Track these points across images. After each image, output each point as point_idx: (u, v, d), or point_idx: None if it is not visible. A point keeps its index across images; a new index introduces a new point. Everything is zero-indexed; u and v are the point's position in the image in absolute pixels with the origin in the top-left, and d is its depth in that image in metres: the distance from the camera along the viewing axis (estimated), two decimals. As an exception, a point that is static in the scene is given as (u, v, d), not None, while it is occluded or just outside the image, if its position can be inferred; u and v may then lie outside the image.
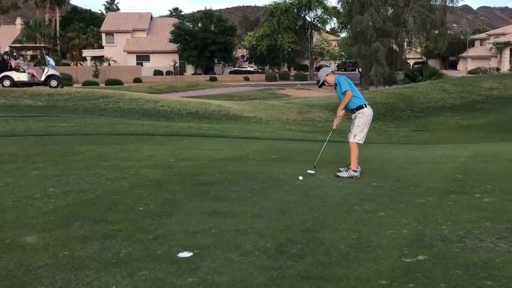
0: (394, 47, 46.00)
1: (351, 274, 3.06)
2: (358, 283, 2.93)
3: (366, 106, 6.15)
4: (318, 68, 73.66)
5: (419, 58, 69.86)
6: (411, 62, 65.82)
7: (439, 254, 3.39)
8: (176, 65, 59.58)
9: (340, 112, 6.20)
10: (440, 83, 29.39)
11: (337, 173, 6.12)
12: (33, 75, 26.62)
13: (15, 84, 25.62)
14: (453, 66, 77.08)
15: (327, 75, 6.20)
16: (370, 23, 42.38)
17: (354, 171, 6.06)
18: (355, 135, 6.11)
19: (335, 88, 6.29)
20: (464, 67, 68.02)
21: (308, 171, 6.20)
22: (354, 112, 6.17)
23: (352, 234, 3.83)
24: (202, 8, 66.30)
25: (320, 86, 6.50)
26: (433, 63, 70.65)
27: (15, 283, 2.88)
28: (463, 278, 3.00)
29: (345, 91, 6.03)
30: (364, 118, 6.12)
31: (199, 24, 59.82)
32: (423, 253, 3.41)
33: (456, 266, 3.18)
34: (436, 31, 45.72)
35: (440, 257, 3.34)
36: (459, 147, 11.85)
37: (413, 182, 5.90)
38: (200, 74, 60.40)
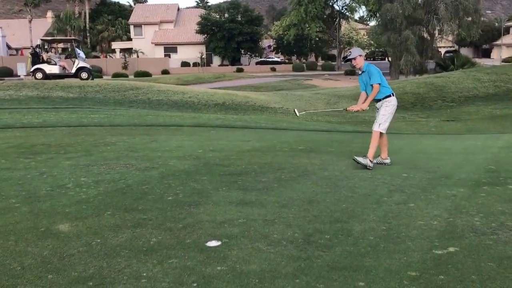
0: (425, 35, 44.98)
1: (380, 265, 3.03)
2: (387, 274, 2.90)
3: (393, 95, 6.09)
4: (345, 58, 72.77)
5: (450, 47, 68.18)
6: (443, 50, 64.30)
7: (471, 246, 3.33)
8: (203, 56, 59.85)
9: (366, 106, 6.12)
10: (472, 72, 28.64)
11: (355, 156, 6.02)
12: (64, 68, 27.23)
13: (47, 76, 26.27)
14: (487, 54, 74.95)
15: (360, 55, 6.06)
16: (400, 11, 41.53)
17: (371, 161, 5.94)
18: (380, 124, 6.00)
19: (360, 73, 6.17)
20: (498, 55, 66.01)
21: (295, 111, 6.91)
22: (381, 101, 6.06)
23: (381, 225, 3.80)
24: (229, -1, 66.24)
25: (346, 61, 6.34)
26: (465, 51, 68.88)
27: (50, 269, 2.98)
28: (496, 271, 2.93)
29: (373, 84, 5.92)
30: (390, 107, 6.03)
31: (226, 15, 59.84)
32: (454, 245, 3.36)
33: (488, 258, 3.11)
34: (469, 18, 44.44)
35: (472, 249, 3.27)
36: (492, 137, 11.55)
37: (444, 173, 5.79)
38: (227, 65, 60.53)
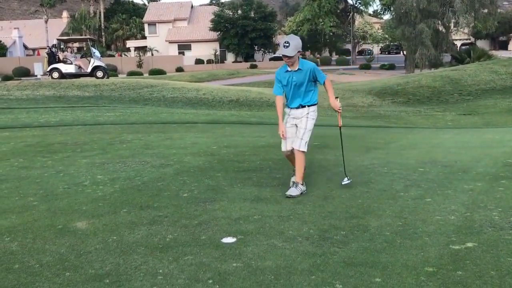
0: (440, 28, 44.39)
1: (396, 261, 3.00)
2: (404, 270, 2.87)
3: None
4: (360, 52, 72.12)
5: (466, 39, 67.14)
6: (458, 43, 63.37)
7: (489, 241, 3.28)
8: (217, 53, 59.91)
9: (337, 104, 4.70)
10: (489, 65, 28.17)
11: (288, 193, 4.52)
12: (80, 67, 27.51)
13: (63, 75, 26.57)
14: (504, 46, 73.63)
15: (298, 51, 4.46)
16: (415, 4, 41.06)
17: (302, 184, 4.62)
18: (306, 142, 4.61)
19: (290, 69, 4.55)
20: (516, 47, 64.77)
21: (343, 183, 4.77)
22: (306, 108, 4.64)
23: (398, 220, 3.76)
24: (242, -5, 66.09)
25: (271, 59, 4.46)
26: (481, 44, 67.74)
27: (67, 267, 3.01)
28: (516, 266, 2.88)
29: (324, 80, 4.59)
30: (315, 118, 4.72)
31: (239, 11, 59.77)
32: (472, 240, 3.31)
33: (507, 253, 3.06)
34: (485, 10, 43.71)
35: (491, 244, 3.22)
36: (510, 131, 11.35)
37: (461, 167, 5.71)
38: (241, 61, 60.51)
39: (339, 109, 4.74)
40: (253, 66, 55.25)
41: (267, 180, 5.15)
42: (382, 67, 51.75)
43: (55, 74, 26.74)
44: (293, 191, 4.54)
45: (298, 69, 4.54)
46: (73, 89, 20.98)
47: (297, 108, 4.66)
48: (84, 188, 4.91)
